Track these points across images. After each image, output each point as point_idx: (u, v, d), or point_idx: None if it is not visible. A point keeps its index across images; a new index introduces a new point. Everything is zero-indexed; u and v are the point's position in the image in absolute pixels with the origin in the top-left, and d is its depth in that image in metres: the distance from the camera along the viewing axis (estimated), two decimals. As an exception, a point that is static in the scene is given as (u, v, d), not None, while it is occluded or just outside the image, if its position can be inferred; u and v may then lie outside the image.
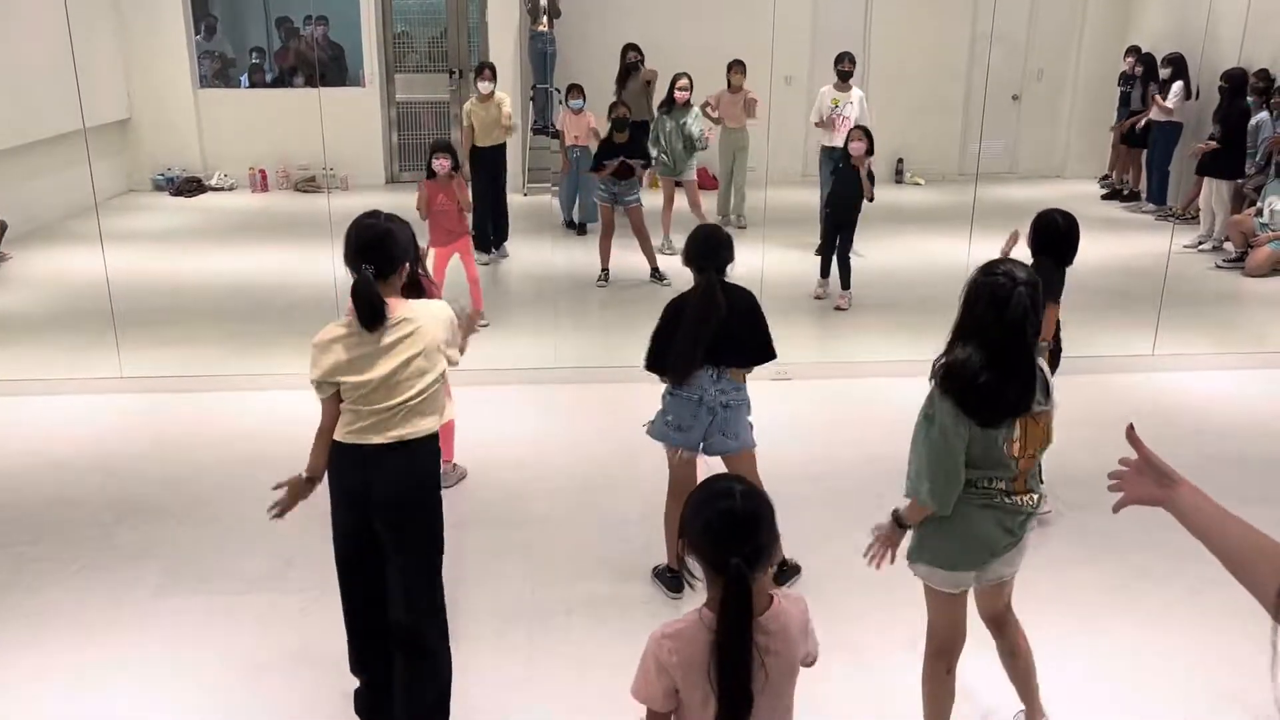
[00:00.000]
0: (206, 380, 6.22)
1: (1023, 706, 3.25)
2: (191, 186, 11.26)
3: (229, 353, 6.71)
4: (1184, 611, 4.03)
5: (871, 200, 7.60)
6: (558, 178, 9.75)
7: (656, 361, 3.92)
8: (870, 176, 7.57)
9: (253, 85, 12.29)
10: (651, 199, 9.98)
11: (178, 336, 6.98)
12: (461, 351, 3.21)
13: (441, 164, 6.89)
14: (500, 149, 8.79)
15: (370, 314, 2.97)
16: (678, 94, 8.81)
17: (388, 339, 3.00)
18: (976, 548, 2.90)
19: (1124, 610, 4.03)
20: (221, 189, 11.42)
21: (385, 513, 3.06)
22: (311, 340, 3.09)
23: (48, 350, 6.81)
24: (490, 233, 8.83)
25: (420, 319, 3.04)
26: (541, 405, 5.95)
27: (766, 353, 3.97)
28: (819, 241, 8.02)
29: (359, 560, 3.16)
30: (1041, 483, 2.99)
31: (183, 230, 10.00)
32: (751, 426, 4.02)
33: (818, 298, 7.76)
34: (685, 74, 8.86)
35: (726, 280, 3.90)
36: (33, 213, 9.34)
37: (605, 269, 8.21)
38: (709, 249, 3.90)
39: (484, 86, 8.52)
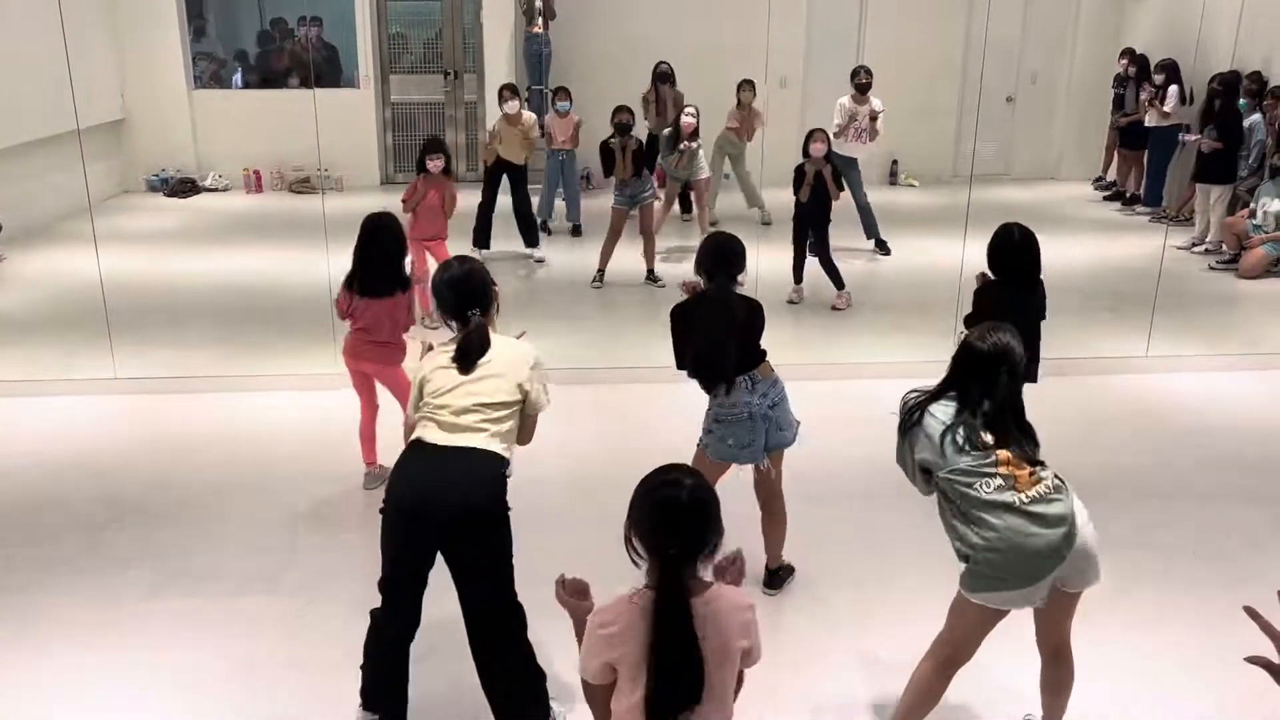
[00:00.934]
0: (201, 381, 6.21)
1: (1034, 716, 3.26)
2: (186, 187, 11.24)
3: (223, 354, 6.69)
4: (1178, 611, 4.04)
5: (837, 198, 7.63)
6: (540, 176, 9.76)
7: (683, 362, 3.98)
8: (837, 176, 7.62)
9: (245, 86, 12.28)
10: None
11: (172, 338, 6.96)
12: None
13: (435, 164, 6.98)
14: (523, 168, 8.83)
15: (474, 359, 3.16)
16: (685, 120, 8.77)
17: (477, 372, 3.17)
18: (1028, 563, 2.84)
19: (1118, 609, 4.03)
20: (216, 190, 11.40)
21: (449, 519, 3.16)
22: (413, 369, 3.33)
23: (42, 351, 6.79)
24: (488, 235, 8.89)
25: (504, 357, 3.20)
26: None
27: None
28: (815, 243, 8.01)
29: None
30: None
31: (177, 231, 9.99)
32: (798, 423, 4.08)
33: (791, 301, 7.75)
34: (693, 106, 8.94)
35: (737, 290, 3.95)
36: (27, 213, 9.32)
37: (602, 270, 8.22)
38: (722, 257, 3.94)
39: (510, 107, 8.58)
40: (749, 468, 4.06)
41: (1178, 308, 7.47)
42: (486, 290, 3.28)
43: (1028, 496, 2.85)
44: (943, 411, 2.97)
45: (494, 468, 3.16)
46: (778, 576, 4.17)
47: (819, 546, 4.42)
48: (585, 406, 5.95)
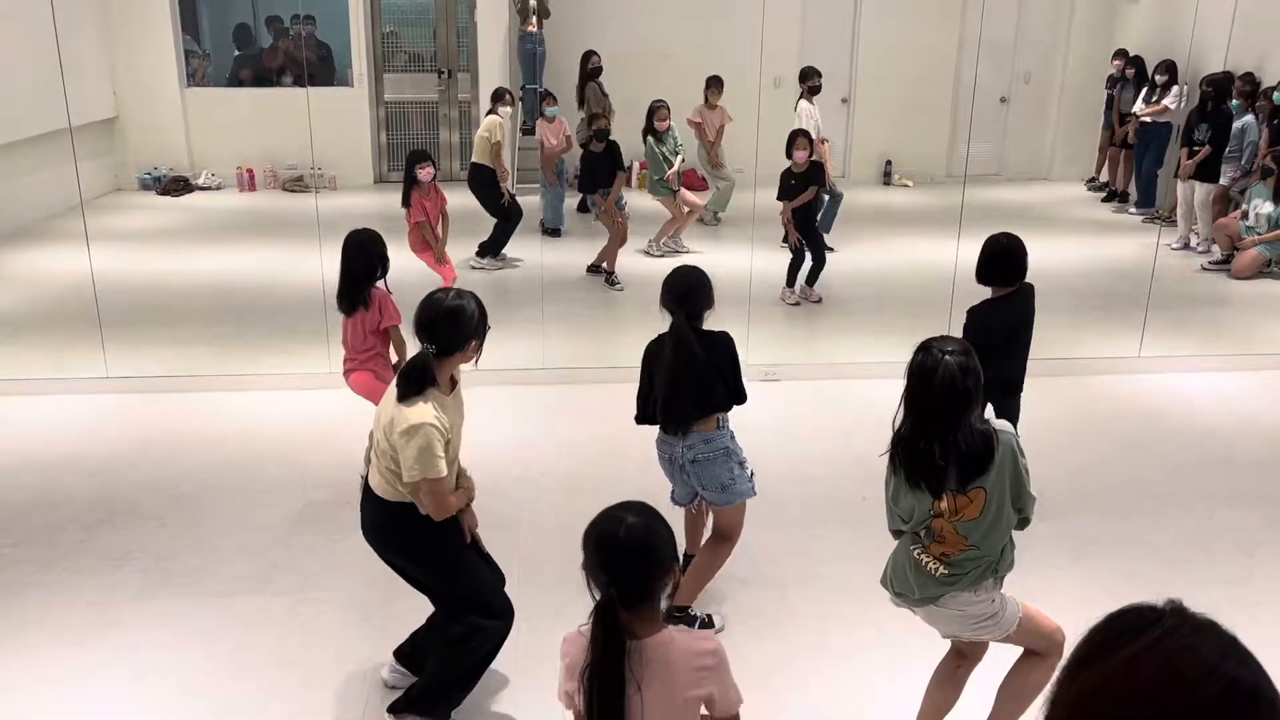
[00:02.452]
0: (192, 381, 6.20)
1: None
2: (178, 186, 11.21)
3: (215, 353, 6.68)
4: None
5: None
6: (543, 176, 9.75)
7: (643, 414, 3.82)
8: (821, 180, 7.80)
9: (238, 84, 12.26)
10: (641, 201, 9.97)
11: (164, 337, 6.94)
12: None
13: (426, 172, 7.02)
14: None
15: (405, 388, 3.07)
16: (658, 124, 8.97)
17: (398, 413, 3.09)
18: (891, 574, 3.08)
19: (1109, 610, 4.04)
20: (209, 188, 11.37)
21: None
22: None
23: (33, 350, 6.77)
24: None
25: (403, 418, 3.05)
26: (529, 407, 5.94)
27: (737, 398, 3.78)
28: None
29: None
30: (987, 577, 2.91)
31: (169, 230, 9.96)
32: (749, 475, 3.83)
33: (796, 304, 7.76)
34: (664, 103, 9.06)
35: (701, 327, 3.72)
36: (18, 212, 9.29)
37: (612, 272, 8.30)
38: (680, 294, 3.70)
39: (507, 110, 8.76)
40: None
41: (1171, 308, 7.49)
42: (448, 336, 3.09)
43: (916, 551, 2.95)
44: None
45: (391, 513, 3.20)
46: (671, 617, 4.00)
47: (809, 548, 4.42)
48: (577, 407, 5.95)
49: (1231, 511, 4.86)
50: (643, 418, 3.84)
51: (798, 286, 7.80)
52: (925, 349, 2.87)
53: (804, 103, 9.11)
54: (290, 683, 3.60)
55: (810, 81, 9.09)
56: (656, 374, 3.74)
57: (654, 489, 4.42)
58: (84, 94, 9.70)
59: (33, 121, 8.68)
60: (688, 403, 3.68)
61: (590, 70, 10.13)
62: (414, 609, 3.46)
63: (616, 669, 2.11)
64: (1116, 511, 4.81)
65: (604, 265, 8.35)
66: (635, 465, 5.13)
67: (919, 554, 2.94)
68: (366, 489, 3.26)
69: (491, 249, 8.73)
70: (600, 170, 8.38)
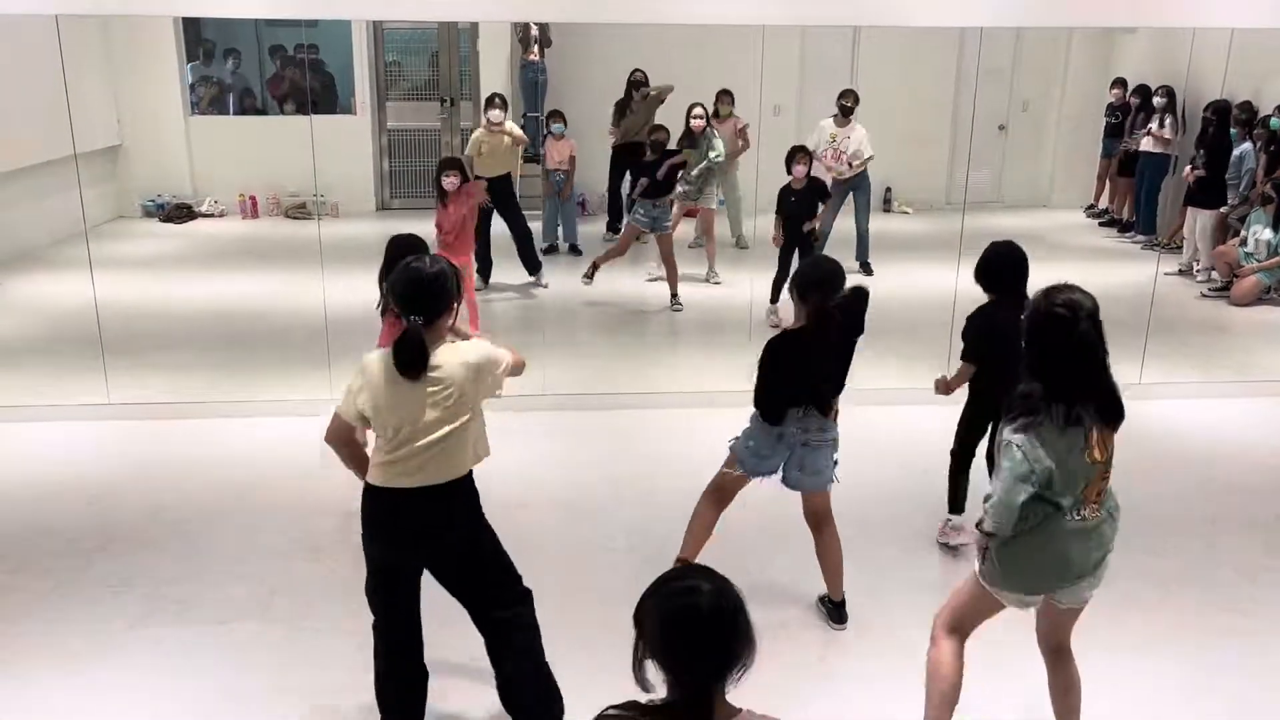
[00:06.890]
0: (194, 407, 6.21)
1: None
2: (182, 213, 11.26)
3: (217, 379, 6.69)
4: (1170, 640, 4.03)
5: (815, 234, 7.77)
6: (539, 202, 9.80)
7: (774, 410, 3.91)
8: (820, 199, 7.76)
9: (241, 111, 12.35)
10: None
11: (166, 363, 6.96)
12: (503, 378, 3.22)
13: (451, 181, 6.95)
14: (505, 179, 8.77)
15: (410, 365, 3.00)
16: (694, 122, 8.92)
17: (423, 387, 3.03)
18: (1060, 568, 3.05)
19: (1110, 637, 4.02)
20: (212, 215, 11.42)
21: (434, 548, 3.20)
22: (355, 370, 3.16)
23: (35, 376, 6.78)
24: (491, 262, 8.83)
25: (450, 369, 3.04)
26: (529, 432, 5.94)
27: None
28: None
29: (393, 595, 3.25)
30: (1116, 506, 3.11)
31: (172, 256, 10.01)
32: (835, 464, 4.05)
33: (774, 326, 7.74)
34: (699, 104, 9.01)
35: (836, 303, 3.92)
36: (23, 238, 9.33)
37: (596, 267, 8.19)
38: (816, 280, 3.93)
39: (495, 115, 8.63)
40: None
41: (1170, 335, 7.50)
42: (437, 301, 3.07)
43: (1091, 517, 3.10)
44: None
45: (466, 489, 3.28)
46: (842, 610, 4.12)
47: (814, 576, 4.41)
48: (577, 432, 5.96)
49: (1232, 537, 4.85)
50: (770, 414, 3.93)
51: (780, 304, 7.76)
52: (1051, 301, 3.07)
53: (825, 120, 9.19)
54: (290, 709, 3.59)
55: (841, 101, 9.17)
56: (796, 360, 3.89)
57: (653, 511, 4.43)
58: (89, 121, 9.75)
59: (38, 149, 8.73)
60: (821, 386, 3.96)
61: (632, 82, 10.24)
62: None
63: None
64: (1117, 537, 4.79)
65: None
66: (634, 490, 5.13)
67: (1082, 520, 3.03)
68: (403, 495, 3.10)
69: (535, 263, 8.82)
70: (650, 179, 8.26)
